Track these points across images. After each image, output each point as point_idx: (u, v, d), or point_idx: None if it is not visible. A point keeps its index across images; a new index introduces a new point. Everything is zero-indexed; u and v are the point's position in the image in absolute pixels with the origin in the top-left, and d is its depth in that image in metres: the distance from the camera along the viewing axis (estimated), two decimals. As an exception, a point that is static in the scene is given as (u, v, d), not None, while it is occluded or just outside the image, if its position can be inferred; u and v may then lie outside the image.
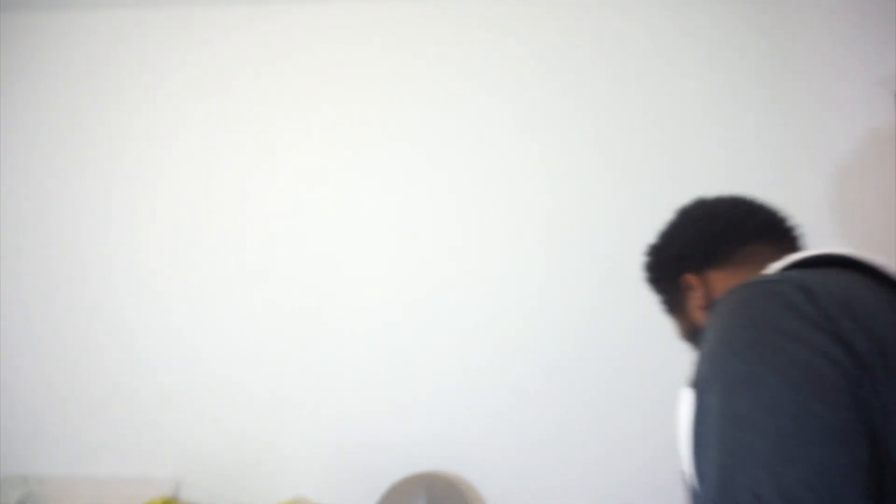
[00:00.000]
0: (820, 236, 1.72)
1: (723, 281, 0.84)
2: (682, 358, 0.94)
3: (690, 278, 0.88)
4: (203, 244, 1.96)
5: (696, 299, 0.87)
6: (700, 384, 0.56)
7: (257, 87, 2.03)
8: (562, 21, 1.99)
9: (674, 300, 0.94)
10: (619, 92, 1.94)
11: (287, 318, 1.91)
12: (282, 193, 1.98)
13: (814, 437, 0.46)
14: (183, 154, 2.01)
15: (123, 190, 2.00)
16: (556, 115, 1.94)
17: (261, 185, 1.98)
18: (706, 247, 0.88)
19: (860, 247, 1.54)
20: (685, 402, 0.59)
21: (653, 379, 1.73)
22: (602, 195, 1.89)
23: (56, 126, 2.04)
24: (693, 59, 1.93)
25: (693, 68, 1.92)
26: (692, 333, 0.89)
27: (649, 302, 1.05)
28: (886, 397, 0.47)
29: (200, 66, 2.05)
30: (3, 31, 2.07)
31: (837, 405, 0.47)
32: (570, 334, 1.81)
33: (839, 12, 1.63)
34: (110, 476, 1.85)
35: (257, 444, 1.86)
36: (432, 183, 1.94)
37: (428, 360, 1.85)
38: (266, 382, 1.89)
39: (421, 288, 1.89)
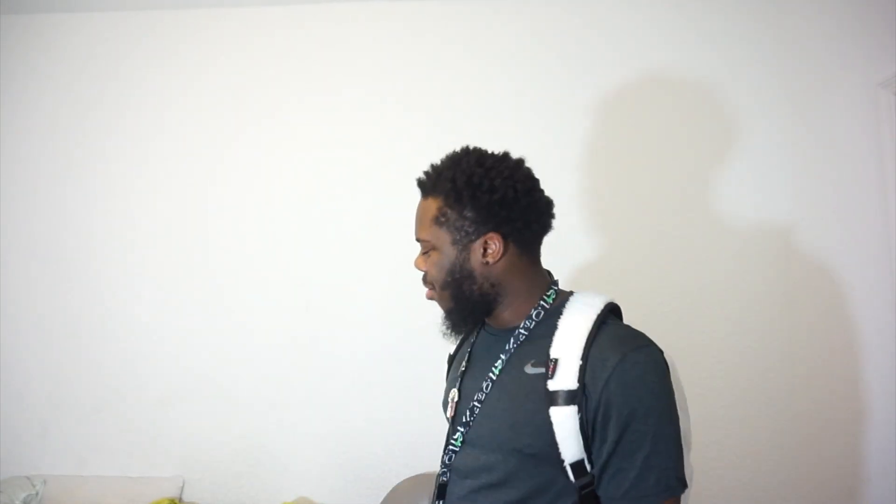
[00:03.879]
0: (821, 236, 1.73)
1: (518, 264, 0.90)
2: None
3: (496, 238, 0.89)
4: (204, 246, 1.97)
5: (486, 256, 0.89)
6: (639, 411, 0.81)
7: (257, 89, 2.02)
8: (558, 21, 1.99)
9: (459, 239, 0.91)
10: (619, 97, 1.93)
11: (290, 320, 1.92)
12: (282, 195, 1.97)
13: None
14: (182, 156, 2.01)
15: (123, 192, 2.00)
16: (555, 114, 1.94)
17: (261, 187, 1.98)
18: (525, 221, 0.89)
19: (864, 245, 1.54)
20: (567, 414, 0.81)
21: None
22: (605, 195, 1.90)
23: (56, 127, 2.04)
24: (694, 62, 1.92)
25: (694, 71, 1.92)
26: (451, 271, 0.91)
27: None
28: None
29: (201, 67, 2.04)
30: (3, 32, 2.07)
31: None
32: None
33: (840, 15, 1.63)
34: (115, 476, 1.87)
35: (261, 446, 1.87)
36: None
37: (430, 361, 1.85)
38: (270, 384, 1.90)
39: (422, 289, 1.88)
